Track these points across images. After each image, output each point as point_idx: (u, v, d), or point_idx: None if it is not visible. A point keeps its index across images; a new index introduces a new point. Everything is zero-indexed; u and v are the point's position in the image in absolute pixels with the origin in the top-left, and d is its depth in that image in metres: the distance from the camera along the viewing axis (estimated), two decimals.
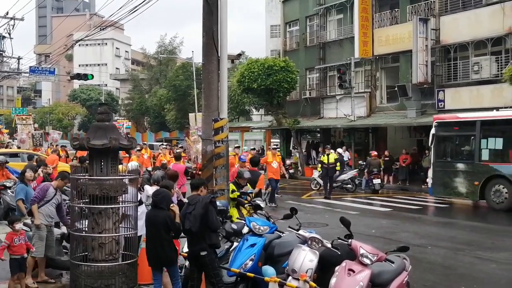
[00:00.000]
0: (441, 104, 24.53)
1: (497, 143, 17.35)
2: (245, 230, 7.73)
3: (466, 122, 18.46)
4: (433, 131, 19.06)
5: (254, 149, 23.53)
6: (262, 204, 9.83)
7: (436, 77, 24.98)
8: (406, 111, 25.24)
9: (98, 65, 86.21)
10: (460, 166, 18.13)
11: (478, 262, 10.10)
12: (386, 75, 29.10)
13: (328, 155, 19.90)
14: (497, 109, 18.39)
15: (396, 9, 27.63)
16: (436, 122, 19.08)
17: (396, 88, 26.15)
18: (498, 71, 22.52)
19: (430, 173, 19.18)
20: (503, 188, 16.75)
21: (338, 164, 20.45)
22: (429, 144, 19.41)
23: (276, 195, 18.24)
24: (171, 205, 7.35)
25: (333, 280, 5.83)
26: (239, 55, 15.19)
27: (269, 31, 47.98)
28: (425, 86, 24.96)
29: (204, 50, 10.21)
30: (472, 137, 17.95)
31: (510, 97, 21.89)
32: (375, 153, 23.71)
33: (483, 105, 21.98)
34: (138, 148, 23.41)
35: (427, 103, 25.28)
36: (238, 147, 23.59)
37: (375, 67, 29.03)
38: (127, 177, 8.21)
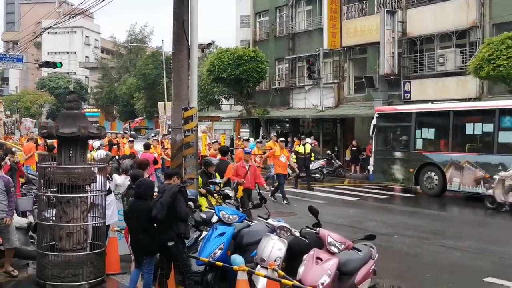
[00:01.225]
0: (407, 95, 24.95)
1: (429, 133, 18.68)
2: (214, 219, 7.77)
3: (403, 113, 19.73)
4: (374, 121, 20.29)
5: (261, 142, 21.65)
6: (231, 194, 9.89)
7: (403, 68, 25.37)
8: (373, 101, 25.56)
9: (67, 53, 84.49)
10: (398, 154, 19.39)
11: (443, 250, 10.36)
12: (354, 66, 29.41)
13: (304, 145, 20.06)
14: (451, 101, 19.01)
15: (364, 1, 27.88)
16: (377, 114, 20.38)
17: (363, 79, 26.47)
18: (462, 63, 23.02)
19: (371, 160, 20.51)
20: (434, 175, 17.97)
21: (312, 154, 20.64)
22: (371, 134, 20.60)
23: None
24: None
25: (301, 269, 5.91)
26: (210, 44, 15.21)
27: (239, 21, 47.91)
28: (391, 77, 25.34)
29: (174, 39, 10.13)
30: (408, 128, 19.10)
31: (474, 89, 22.46)
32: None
33: (448, 96, 22.46)
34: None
35: (393, 94, 25.66)
36: (248, 139, 22.23)
37: (343, 58, 29.31)
38: (96, 165, 8.16)
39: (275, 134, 17.51)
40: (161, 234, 6.74)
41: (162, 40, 53.30)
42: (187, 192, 8.64)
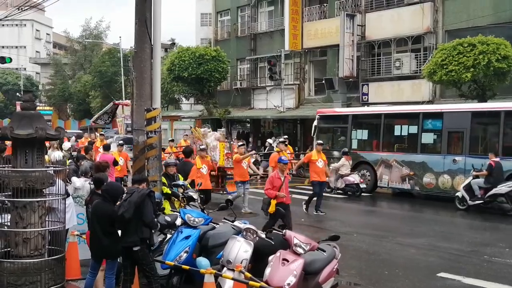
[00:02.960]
0: (365, 98, 25.51)
1: (364, 134, 19.78)
2: (179, 222, 7.76)
3: (341, 115, 20.84)
4: (315, 123, 21.10)
5: (285, 142, 18.73)
6: (195, 196, 9.91)
7: (361, 71, 25.92)
8: (333, 103, 25.99)
9: (16, 47, 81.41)
10: (336, 153, 20.05)
11: (399, 248, 10.70)
12: (314, 68, 29.83)
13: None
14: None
15: (325, 4, 28.30)
16: (318, 115, 21.30)
17: (323, 81, 26.87)
18: (417, 67, 23.72)
19: None
20: (367, 172, 19.04)
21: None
22: (312, 135, 21.34)
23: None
24: None
25: (267, 270, 6.00)
26: (173, 44, 15.12)
27: (200, 20, 47.61)
28: (350, 79, 25.86)
29: (136, 38, 10.01)
30: (346, 129, 20.10)
31: (427, 92, 23.19)
32: None
33: (403, 99, 23.14)
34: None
35: (352, 96, 26.18)
36: (284, 142, 18.50)
37: (304, 60, 29.67)
38: (54, 168, 7.90)
39: (320, 142, 15.21)
40: (126, 238, 6.67)
41: (120, 37, 52.46)
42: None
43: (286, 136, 19.06)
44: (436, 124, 17.47)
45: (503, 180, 14.53)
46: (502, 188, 14.23)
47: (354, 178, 17.95)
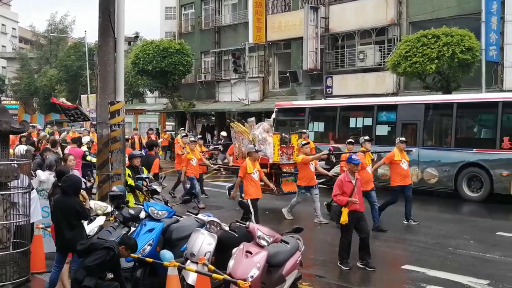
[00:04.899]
0: (329, 90, 25.72)
1: (320, 126, 20.08)
2: (142, 215, 7.74)
3: (298, 108, 20.98)
4: (273, 115, 21.26)
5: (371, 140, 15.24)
6: (159, 189, 9.86)
7: (325, 64, 26.09)
8: (297, 96, 26.14)
9: None
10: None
11: None
12: (279, 61, 29.90)
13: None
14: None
15: None
16: (276, 108, 21.49)
17: (287, 74, 26.98)
18: (381, 59, 24.01)
19: None
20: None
21: None
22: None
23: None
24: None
25: (231, 262, 6.02)
26: (136, 37, 14.68)
27: (164, 13, 47.25)
28: (314, 72, 26.02)
29: (100, 31, 9.92)
30: (303, 122, 20.26)
31: (392, 84, 23.51)
32: None
33: (367, 91, 23.40)
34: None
35: (316, 88, 26.36)
36: (352, 142, 14.24)
37: (268, 52, 29.72)
38: (18, 162, 7.88)
39: (367, 138, 12.64)
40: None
41: (85, 31, 51.43)
42: (114, 187, 8.57)
43: (367, 137, 13.38)
44: (390, 116, 17.79)
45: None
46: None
47: None
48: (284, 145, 14.07)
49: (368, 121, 18.27)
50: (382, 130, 17.88)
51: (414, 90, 22.21)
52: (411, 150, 13.34)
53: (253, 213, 10.53)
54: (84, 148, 17.06)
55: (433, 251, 9.97)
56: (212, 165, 16.87)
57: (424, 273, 8.44)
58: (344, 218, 8.52)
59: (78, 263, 6.78)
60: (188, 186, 14.67)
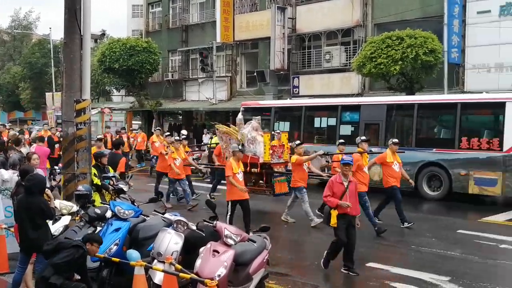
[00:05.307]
0: (296, 90, 25.93)
1: (286, 126, 20.19)
2: (109, 214, 7.70)
3: (264, 108, 21.02)
4: (240, 115, 20.88)
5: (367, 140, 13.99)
6: (125, 188, 9.81)
7: (292, 64, 26.29)
8: (264, 95, 26.27)
9: None
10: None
11: (329, 238, 10.94)
12: (246, 60, 29.98)
13: (211, 138, 20.07)
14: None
15: None
16: (242, 108, 21.37)
17: (255, 74, 27.08)
18: (347, 60, 24.33)
19: None
20: None
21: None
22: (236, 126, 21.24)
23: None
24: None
25: (198, 262, 6.02)
26: (103, 34, 14.39)
27: (131, 11, 46.82)
28: (281, 72, 26.19)
29: (66, 28, 9.83)
30: (269, 121, 20.39)
31: (357, 85, 23.85)
32: None
33: (333, 92, 23.69)
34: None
35: (283, 88, 26.53)
36: (343, 143, 13.93)
37: (235, 52, 29.77)
38: None
39: (363, 138, 12.36)
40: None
41: (50, 28, 50.86)
42: (80, 187, 8.50)
43: (364, 137, 12.94)
44: (353, 116, 18.13)
45: None
46: None
47: None
48: (275, 145, 13.60)
49: (332, 121, 18.55)
50: (345, 130, 18.16)
51: (378, 91, 22.60)
52: (403, 152, 13.29)
53: (229, 214, 10.52)
54: None
55: (397, 249, 10.19)
56: (198, 165, 16.54)
57: (388, 271, 8.61)
58: (333, 221, 8.26)
59: (43, 263, 6.71)
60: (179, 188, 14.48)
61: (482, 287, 7.81)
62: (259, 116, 20.31)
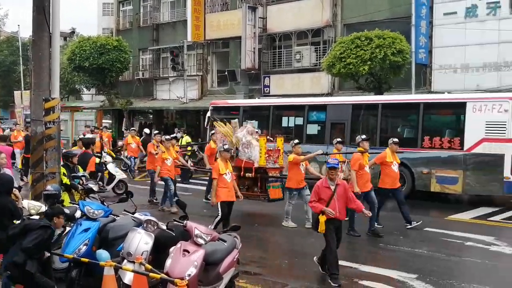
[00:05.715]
0: (266, 90, 26.05)
1: (254, 125, 20.00)
2: (78, 214, 7.64)
3: (233, 107, 21.22)
4: (209, 114, 21.49)
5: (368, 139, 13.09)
6: (95, 188, 9.74)
7: (263, 63, 26.40)
8: (235, 95, 26.32)
9: None
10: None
11: (300, 236, 11.07)
12: (217, 60, 29.98)
13: (182, 137, 20.00)
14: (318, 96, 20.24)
15: None
16: (211, 106, 21.74)
17: (226, 73, 27.10)
18: (317, 60, 24.54)
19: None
20: None
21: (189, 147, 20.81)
22: (205, 125, 21.84)
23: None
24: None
25: (168, 261, 6.00)
26: (73, 33, 14.18)
27: (101, 9, 46.35)
28: (252, 72, 26.30)
29: (34, 26, 9.69)
30: (237, 119, 20.07)
31: (327, 85, 24.09)
32: None
33: (304, 91, 23.89)
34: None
35: (254, 88, 26.63)
36: (341, 141, 13.54)
37: (206, 51, 29.74)
38: None
39: (364, 137, 12.00)
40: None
41: (18, 25, 49.78)
42: (49, 186, 8.40)
43: (365, 136, 12.50)
44: (320, 116, 18.41)
45: None
46: None
47: None
48: (272, 149, 13.27)
49: (300, 121, 18.80)
50: (312, 129, 18.42)
51: (348, 90, 22.87)
52: (402, 152, 13.25)
53: (219, 217, 10.23)
54: None
55: (365, 247, 10.33)
56: (189, 166, 16.19)
57: (357, 269, 8.73)
58: (321, 228, 7.91)
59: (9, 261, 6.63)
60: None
61: (449, 284, 7.98)
62: (236, 119, 20.32)
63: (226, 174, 10.46)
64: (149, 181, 15.37)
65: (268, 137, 13.88)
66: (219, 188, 10.40)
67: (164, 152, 13.85)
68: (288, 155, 12.38)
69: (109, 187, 15.59)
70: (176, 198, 12.62)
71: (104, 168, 16.06)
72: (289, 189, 11.98)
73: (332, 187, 8.03)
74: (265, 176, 12.98)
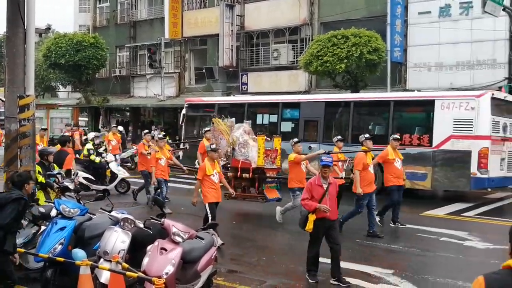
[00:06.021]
0: (244, 87, 26.07)
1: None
2: (53, 213, 7.56)
3: (208, 104, 21.33)
4: (183, 111, 21.52)
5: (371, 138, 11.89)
6: (71, 186, 9.66)
7: (241, 61, 26.42)
8: (213, 92, 26.31)
9: None
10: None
11: (275, 234, 11.14)
12: (195, 57, 29.91)
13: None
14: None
15: None
16: (186, 104, 21.74)
17: (204, 70, 27.05)
18: (294, 58, 24.64)
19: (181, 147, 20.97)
20: None
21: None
22: (180, 123, 21.90)
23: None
24: None
25: (145, 260, 5.99)
26: (48, 29, 14.02)
27: (78, 5, 45.78)
28: (230, 69, 26.29)
29: (8, 22, 9.54)
30: (234, 118, 20.18)
31: (304, 83, 24.22)
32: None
33: (281, 89, 23.97)
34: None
35: (232, 85, 26.64)
36: (342, 139, 13.32)
37: (184, 48, 29.64)
38: None
39: (367, 136, 11.23)
40: None
41: None
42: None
43: (368, 135, 11.62)
44: (294, 113, 18.56)
45: None
46: None
47: None
48: (270, 149, 12.89)
49: (274, 118, 18.93)
50: (286, 127, 18.54)
51: (325, 88, 23.02)
52: (404, 148, 13.07)
53: (210, 218, 9.88)
54: (89, 145, 16.48)
55: (342, 243, 10.38)
56: (183, 166, 15.34)
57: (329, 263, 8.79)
58: (309, 226, 7.71)
59: None
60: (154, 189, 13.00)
61: (424, 279, 8.09)
62: (233, 118, 20.08)
63: (213, 175, 10.08)
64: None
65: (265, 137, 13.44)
66: (208, 189, 10.06)
67: (158, 151, 13.41)
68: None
69: (112, 186, 15.69)
70: (153, 195, 12.59)
71: (107, 167, 16.30)
72: (291, 189, 11.60)
73: (325, 186, 7.80)
74: (262, 176, 12.74)
